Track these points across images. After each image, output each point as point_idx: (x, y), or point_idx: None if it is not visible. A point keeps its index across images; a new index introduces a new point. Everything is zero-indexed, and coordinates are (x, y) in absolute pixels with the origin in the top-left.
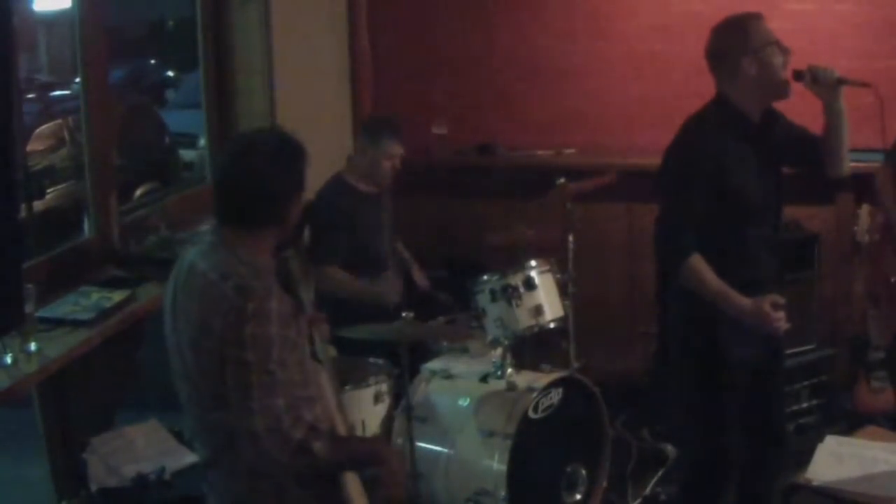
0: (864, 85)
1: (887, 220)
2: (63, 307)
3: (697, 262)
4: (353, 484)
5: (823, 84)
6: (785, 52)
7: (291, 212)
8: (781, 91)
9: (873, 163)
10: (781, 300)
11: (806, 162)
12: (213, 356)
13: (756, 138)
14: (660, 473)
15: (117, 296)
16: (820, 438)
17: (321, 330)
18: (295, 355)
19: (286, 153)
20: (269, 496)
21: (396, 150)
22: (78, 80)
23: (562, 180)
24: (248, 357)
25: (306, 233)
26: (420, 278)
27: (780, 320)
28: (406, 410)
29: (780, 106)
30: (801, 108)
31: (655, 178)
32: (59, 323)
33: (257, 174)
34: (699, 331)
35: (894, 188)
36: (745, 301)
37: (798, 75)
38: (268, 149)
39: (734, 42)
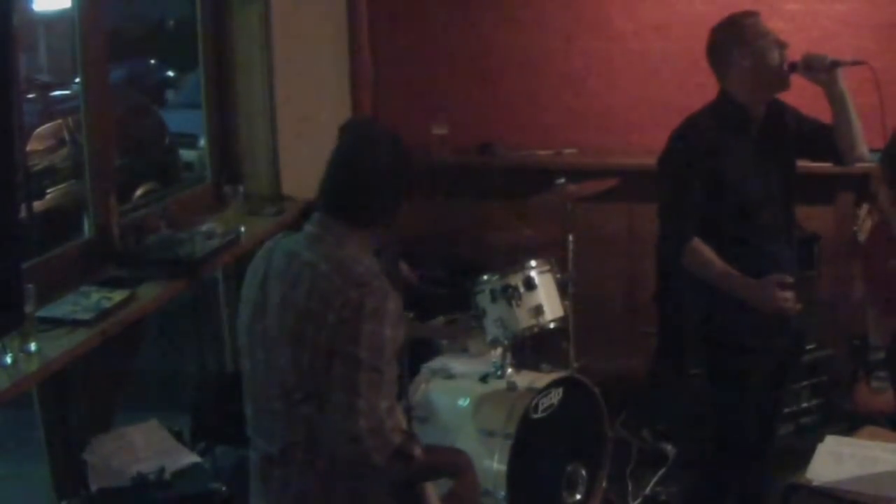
0: (859, 63)
1: (881, 219)
2: (63, 307)
3: (698, 245)
4: (431, 494)
5: (818, 69)
6: (782, 45)
7: (398, 216)
8: (779, 82)
9: (873, 163)
10: (790, 279)
11: (821, 152)
12: (320, 348)
13: (759, 132)
14: (660, 473)
15: (117, 296)
16: (820, 438)
17: None
18: (395, 360)
19: (405, 157)
20: (344, 498)
21: None
22: (78, 80)
23: (562, 180)
24: (361, 354)
25: None
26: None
27: (789, 300)
28: (406, 410)
29: (794, 102)
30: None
31: (656, 176)
32: (59, 323)
33: (383, 176)
34: (715, 319)
35: (889, 187)
36: (750, 280)
37: (793, 67)
38: (392, 151)
39: (728, 36)
